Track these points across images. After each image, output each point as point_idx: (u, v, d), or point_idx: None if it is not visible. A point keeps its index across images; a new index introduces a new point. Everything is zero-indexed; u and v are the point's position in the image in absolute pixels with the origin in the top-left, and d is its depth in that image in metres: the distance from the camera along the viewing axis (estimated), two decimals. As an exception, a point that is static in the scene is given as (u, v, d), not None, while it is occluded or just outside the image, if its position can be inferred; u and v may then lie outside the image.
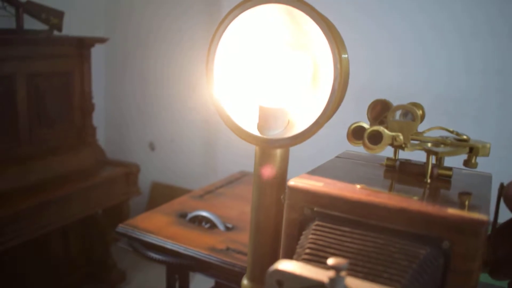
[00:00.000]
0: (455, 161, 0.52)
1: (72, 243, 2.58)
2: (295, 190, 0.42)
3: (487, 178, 0.51)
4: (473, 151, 0.47)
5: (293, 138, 0.46)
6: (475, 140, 0.48)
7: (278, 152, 0.49)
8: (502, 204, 0.47)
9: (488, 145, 0.47)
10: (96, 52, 2.60)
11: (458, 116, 2.10)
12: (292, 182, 0.43)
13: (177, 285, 1.60)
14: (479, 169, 0.51)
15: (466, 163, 0.48)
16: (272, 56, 0.48)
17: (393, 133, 0.45)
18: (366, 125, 0.46)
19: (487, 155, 0.48)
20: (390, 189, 0.44)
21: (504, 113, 2.01)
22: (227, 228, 1.44)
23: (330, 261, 0.30)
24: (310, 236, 0.39)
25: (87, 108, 2.46)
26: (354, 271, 0.34)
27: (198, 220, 1.48)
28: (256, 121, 0.50)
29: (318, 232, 0.39)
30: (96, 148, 2.50)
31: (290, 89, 0.48)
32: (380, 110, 0.49)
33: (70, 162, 2.35)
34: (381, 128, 0.45)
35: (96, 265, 2.67)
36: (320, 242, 0.37)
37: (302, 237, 0.39)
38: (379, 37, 2.22)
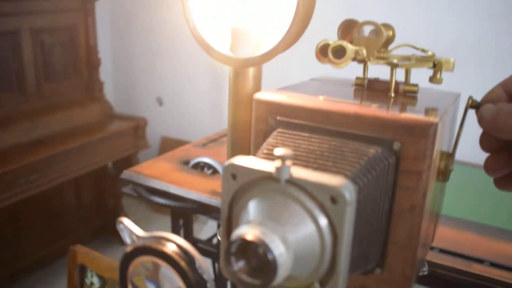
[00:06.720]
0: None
1: (84, 196, 2.64)
2: (260, 102, 0.44)
3: (455, 96, 0.53)
4: (437, 65, 0.48)
5: (262, 56, 0.48)
6: (440, 56, 0.50)
7: (251, 71, 0.51)
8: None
9: (452, 60, 0.49)
10: (101, 6, 2.60)
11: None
12: (257, 94, 0.45)
13: (181, 232, 1.66)
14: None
15: (431, 79, 0.50)
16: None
17: (356, 47, 0.46)
18: (332, 42, 0.48)
19: (452, 70, 0.49)
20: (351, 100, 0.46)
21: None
22: (228, 173, 1.46)
23: (276, 151, 0.32)
24: (269, 140, 0.41)
25: (94, 62, 2.48)
26: (304, 167, 0.36)
27: (201, 167, 1.51)
28: (229, 43, 0.51)
29: (278, 137, 0.41)
30: (104, 103, 2.54)
31: (260, 11, 0.50)
32: (348, 29, 0.51)
33: (79, 116, 2.39)
34: (344, 43, 0.46)
35: (107, 218, 2.74)
36: (277, 145, 0.40)
37: (263, 144, 0.41)
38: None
